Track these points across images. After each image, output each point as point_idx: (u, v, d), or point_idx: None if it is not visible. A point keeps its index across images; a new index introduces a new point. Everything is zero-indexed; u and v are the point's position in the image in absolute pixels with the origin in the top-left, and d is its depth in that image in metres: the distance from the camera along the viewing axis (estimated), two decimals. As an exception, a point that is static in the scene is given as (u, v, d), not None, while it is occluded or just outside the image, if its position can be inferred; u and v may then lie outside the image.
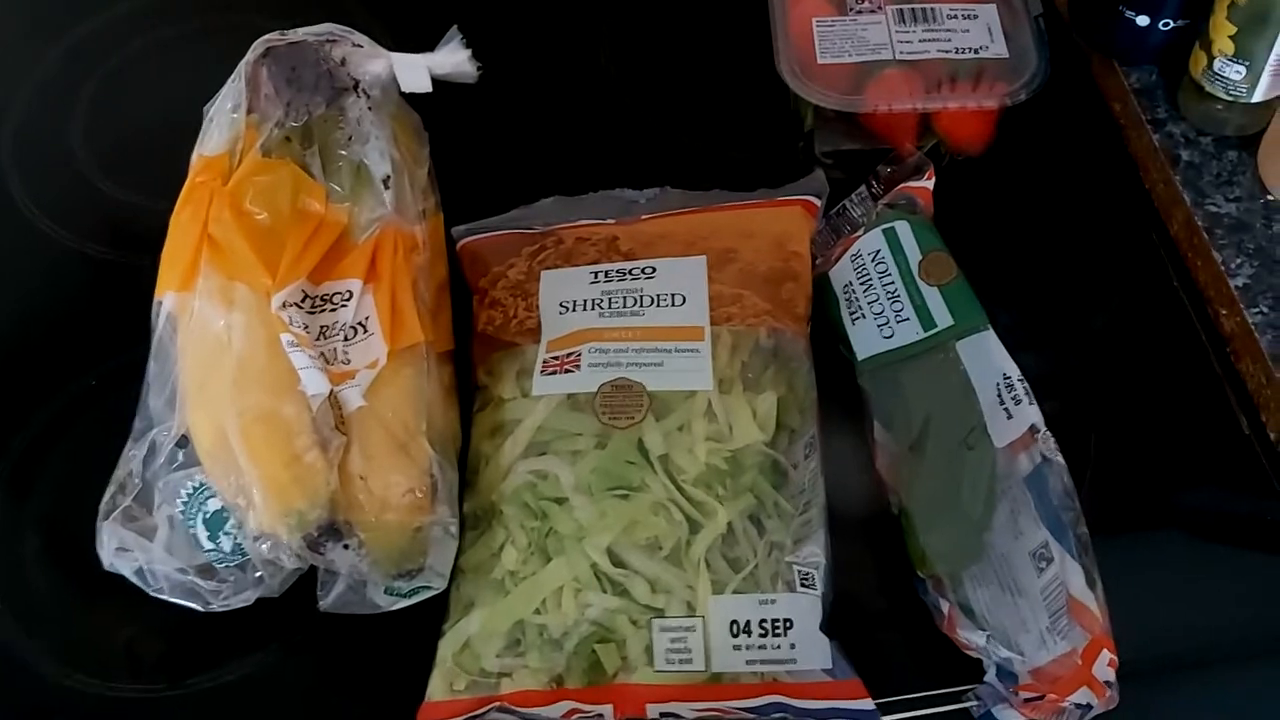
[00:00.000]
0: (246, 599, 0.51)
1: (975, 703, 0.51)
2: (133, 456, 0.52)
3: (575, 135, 0.72)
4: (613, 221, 0.61)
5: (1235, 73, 0.63)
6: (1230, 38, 0.62)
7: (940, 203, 0.62)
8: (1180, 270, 0.65)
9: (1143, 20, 0.66)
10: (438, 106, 0.65)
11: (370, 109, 0.57)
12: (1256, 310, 0.60)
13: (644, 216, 0.61)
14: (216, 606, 0.51)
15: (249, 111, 0.56)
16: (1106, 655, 0.48)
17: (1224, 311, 0.62)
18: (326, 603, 0.51)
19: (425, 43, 0.62)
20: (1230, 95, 0.64)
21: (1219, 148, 0.66)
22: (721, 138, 0.71)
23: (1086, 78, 0.73)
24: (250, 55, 0.57)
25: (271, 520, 0.47)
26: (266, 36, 0.57)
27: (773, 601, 0.50)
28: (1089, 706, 0.48)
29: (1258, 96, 0.63)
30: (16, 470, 0.59)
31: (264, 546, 0.48)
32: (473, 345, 0.60)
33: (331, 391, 0.50)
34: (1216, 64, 0.63)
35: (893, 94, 0.64)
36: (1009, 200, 0.68)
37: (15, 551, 0.57)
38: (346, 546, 0.48)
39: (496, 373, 0.57)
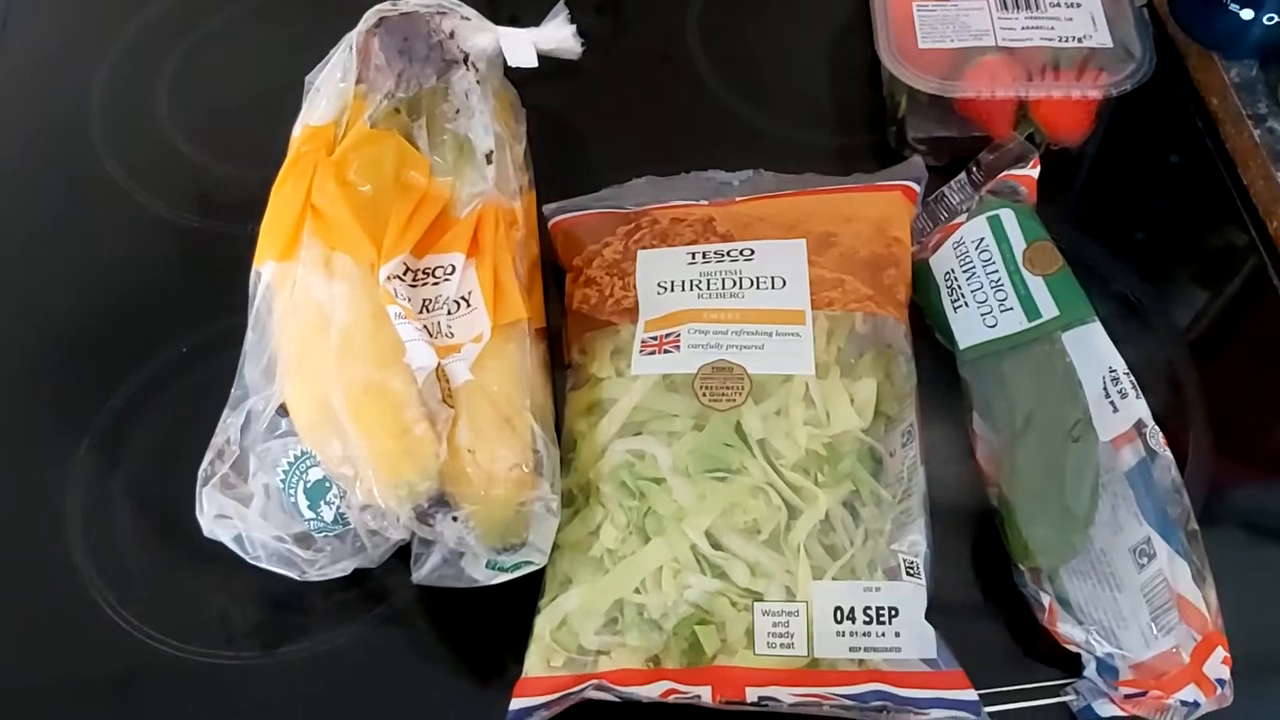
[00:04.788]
0: (344, 569, 0.51)
1: (1074, 697, 0.50)
2: (230, 424, 0.52)
3: (663, 115, 0.72)
4: (706, 203, 0.61)
5: (1346, 69, 0.62)
6: (1343, 33, 0.61)
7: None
8: (1280, 268, 0.64)
9: (1247, 13, 0.65)
10: (525, 81, 0.64)
11: (478, 83, 0.56)
12: (1362, 310, 0.59)
13: (738, 199, 0.61)
14: (313, 576, 0.51)
15: (358, 81, 0.55)
16: (1220, 653, 0.47)
17: (1326, 311, 0.61)
18: (420, 574, 0.51)
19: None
20: (1338, 92, 0.63)
21: (1323, 146, 0.65)
22: (810, 121, 0.71)
23: (1180, 70, 0.72)
24: (362, 25, 0.56)
25: (382, 491, 0.47)
26: (379, 6, 0.56)
27: (878, 589, 0.49)
28: (1196, 704, 0.48)
29: (1367, 93, 0.62)
30: (109, 438, 0.59)
31: (369, 517, 0.48)
32: (565, 323, 0.59)
33: (439, 365, 0.49)
34: (1326, 60, 0.62)
35: (994, 80, 0.63)
36: (1101, 192, 0.67)
37: (108, 517, 0.57)
38: (455, 519, 0.48)
39: (591, 351, 0.57)
